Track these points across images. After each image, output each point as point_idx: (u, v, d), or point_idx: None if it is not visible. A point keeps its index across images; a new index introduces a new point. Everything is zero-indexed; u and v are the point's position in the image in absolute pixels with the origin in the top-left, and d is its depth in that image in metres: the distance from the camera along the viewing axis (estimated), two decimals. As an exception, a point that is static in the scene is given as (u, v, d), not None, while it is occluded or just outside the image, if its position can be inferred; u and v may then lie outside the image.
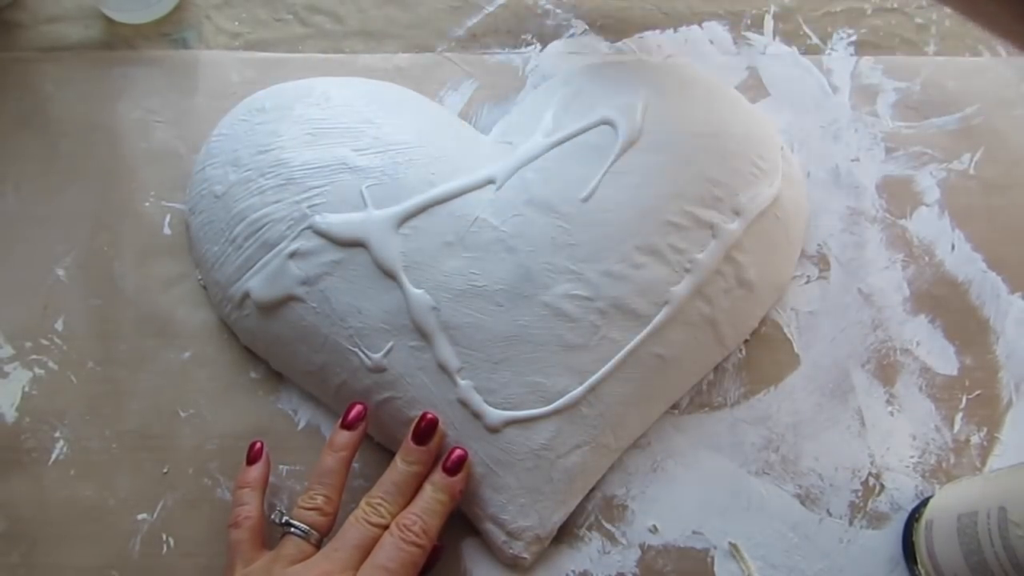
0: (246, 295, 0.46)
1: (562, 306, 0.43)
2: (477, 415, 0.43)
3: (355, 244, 0.44)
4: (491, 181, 0.45)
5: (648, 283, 0.44)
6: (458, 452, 0.42)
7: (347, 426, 0.43)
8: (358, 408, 0.43)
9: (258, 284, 0.45)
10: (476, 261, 0.44)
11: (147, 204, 0.50)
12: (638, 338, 0.44)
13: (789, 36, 0.55)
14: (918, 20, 0.55)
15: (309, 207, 0.45)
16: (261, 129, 0.47)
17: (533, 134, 0.46)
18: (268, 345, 0.47)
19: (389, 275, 0.44)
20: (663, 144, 0.45)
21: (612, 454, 0.45)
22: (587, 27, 0.55)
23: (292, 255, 0.45)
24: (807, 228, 0.50)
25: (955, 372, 0.48)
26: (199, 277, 0.49)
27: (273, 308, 0.45)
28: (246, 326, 0.47)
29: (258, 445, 0.44)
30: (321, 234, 0.44)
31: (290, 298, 0.45)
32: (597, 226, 0.44)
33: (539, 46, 0.54)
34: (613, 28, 0.55)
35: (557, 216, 0.44)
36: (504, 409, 0.43)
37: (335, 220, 0.44)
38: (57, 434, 0.46)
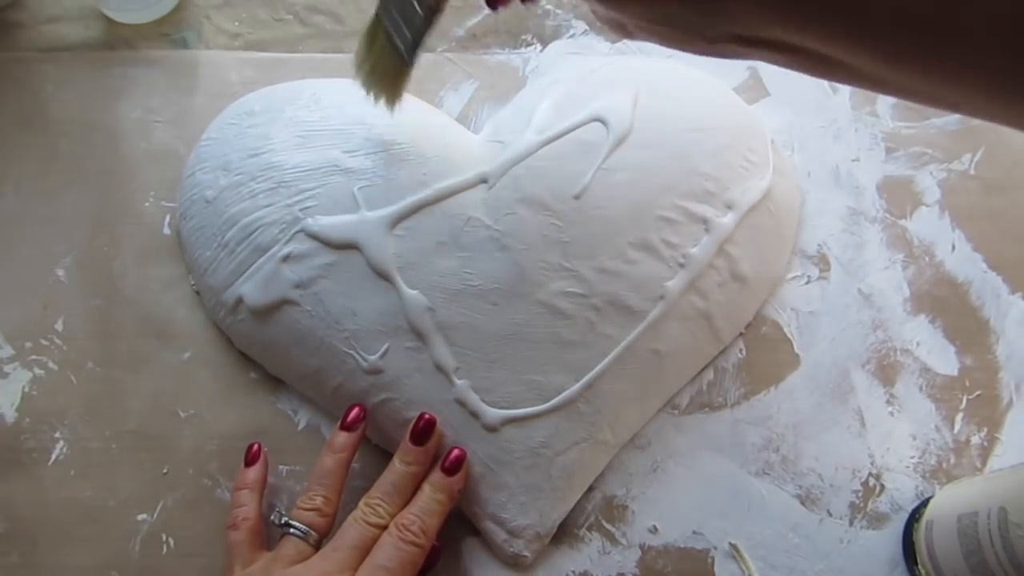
0: (240, 300, 0.45)
1: (557, 303, 0.43)
2: (475, 414, 0.43)
3: (348, 246, 0.44)
4: (483, 180, 0.45)
5: (642, 278, 0.44)
6: (456, 452, 0.42)
7: (346, 427, 0.43)
8: (357, 410, 0.43)
9: (251, 289, 0.45)
10: (470, 260, 0.44)
11: (147, 204, 0.50)
12: (634, 334, 0.44)
13: (789, 35, 0.55)
14: (919, 19, 0.55)
15: (301, 210, 0.45)
16: (251, 132, 0.47)
17: (524, 132, 0.46)
18: (263, 349, 0.46)
19: (383, 276, 0.44)
20: (654, 140, 0.45)
21: (610, 450, 0.45)
22: (587, 27, 0.55)
23: (285, 259, 0.45)
24: (800, 221, 0.50)
25: (955, 372, 0.48)
26: (192, 282, 0.48)
27: (267, 312, 0.45)
28: (241, 331, 0.46)
29: (256, 447, 0.44)
30: (314, 237, 0.44)
31: (284, 302, 0.45)
32: (590, 223, 0.44)
33: (539, 46, 0.54)
34: (613, 28, 0.55)
35: (550, 214, 0.44)
36: (501, 408, 0.43)
37: (328, 222, 0.44)
38: (57, 434, 0.46)
